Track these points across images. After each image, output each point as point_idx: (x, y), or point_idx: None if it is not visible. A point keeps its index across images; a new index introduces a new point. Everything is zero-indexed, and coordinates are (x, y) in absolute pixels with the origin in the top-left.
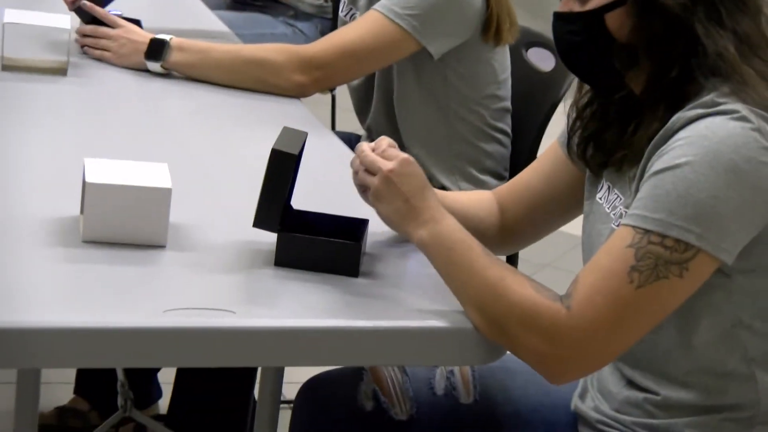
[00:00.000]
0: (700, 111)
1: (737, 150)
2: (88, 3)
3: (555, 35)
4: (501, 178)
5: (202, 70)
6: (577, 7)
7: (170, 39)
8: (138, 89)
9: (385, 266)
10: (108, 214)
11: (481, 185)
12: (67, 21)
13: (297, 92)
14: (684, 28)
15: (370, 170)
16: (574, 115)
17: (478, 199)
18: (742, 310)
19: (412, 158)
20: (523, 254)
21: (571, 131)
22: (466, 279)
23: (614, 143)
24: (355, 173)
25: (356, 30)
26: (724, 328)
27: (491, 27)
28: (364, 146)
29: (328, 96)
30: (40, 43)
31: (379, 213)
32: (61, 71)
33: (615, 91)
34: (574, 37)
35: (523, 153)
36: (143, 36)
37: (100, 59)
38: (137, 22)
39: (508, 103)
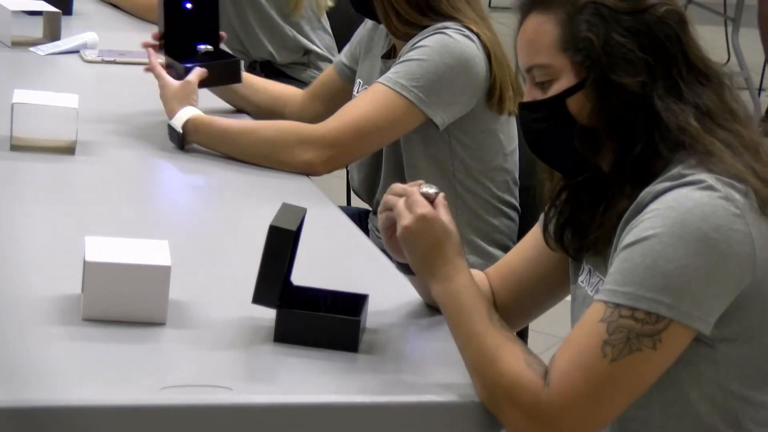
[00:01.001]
0: (667, 184)
1: (705, 219)
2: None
3: (521, 125)
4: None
5: (217, 148)
6: (539, 96)
7: (185, 123)
8: (144, 166)
9: (385, 341)
10: (108, 293)
11: (489, 258)
12: (75, 100)
13: (308, 171)
14: (644, 105)
15: (408, 208)
16: (548, 204)
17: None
18: (731, 380)
19: (449, 217)
20: (539, 326)
21: (546, 219)
22: (467, 342)
23: (588, 225)
24: (381, 212)
25: (364, 105)
26: (715, 399)
27: (495, 94)
28: (411, 189)
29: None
30: (49, 123)
31: (405, 248)
32: (69, 150)
33: (580, 173)
34: (538, 124)
35: (531, 227)
36: (167, 110)
37: None
38: (235, 61)
39: (515, 176)
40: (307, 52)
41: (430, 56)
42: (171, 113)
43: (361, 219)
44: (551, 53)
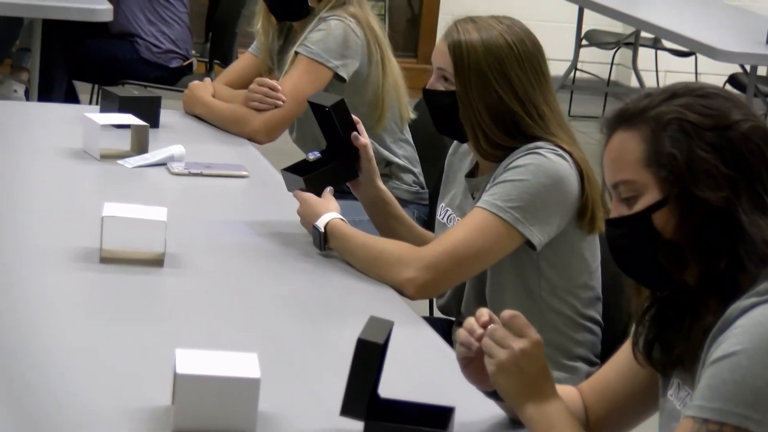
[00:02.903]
0: (754, 299)
1: None
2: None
3: (608, 241)
4: (592, 364)
5: (344, 255)
6: (625, 212)
7: (326, 224)
8: (232, 279)
9: None
10: (198, 405)
11: (571, 371)
12: (163, 213)
13: (403, 290)
14: (728, 220)
15: (500, 344)
16: (636, 320)
17: (568, 398)
18: None
19: (541, 340)
20: None
21: (635, 336)
22: None
23: (674, 341)
24: (461, 345)
25: (465, 230)
26: None
27: (587, 214)
28: (490, 319)
29: None
30: (138, 235)
31: (497, 383)
32: (157, 262)
33: (666, 288)
34: (624, 240)
35: (615, 338)
36: (312, 215)
37: None
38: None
39: (599, 292)
40: (389, 163)
41: (525, 176)
42: (315, 217)
43: (444, 330)
44: (636, 169)
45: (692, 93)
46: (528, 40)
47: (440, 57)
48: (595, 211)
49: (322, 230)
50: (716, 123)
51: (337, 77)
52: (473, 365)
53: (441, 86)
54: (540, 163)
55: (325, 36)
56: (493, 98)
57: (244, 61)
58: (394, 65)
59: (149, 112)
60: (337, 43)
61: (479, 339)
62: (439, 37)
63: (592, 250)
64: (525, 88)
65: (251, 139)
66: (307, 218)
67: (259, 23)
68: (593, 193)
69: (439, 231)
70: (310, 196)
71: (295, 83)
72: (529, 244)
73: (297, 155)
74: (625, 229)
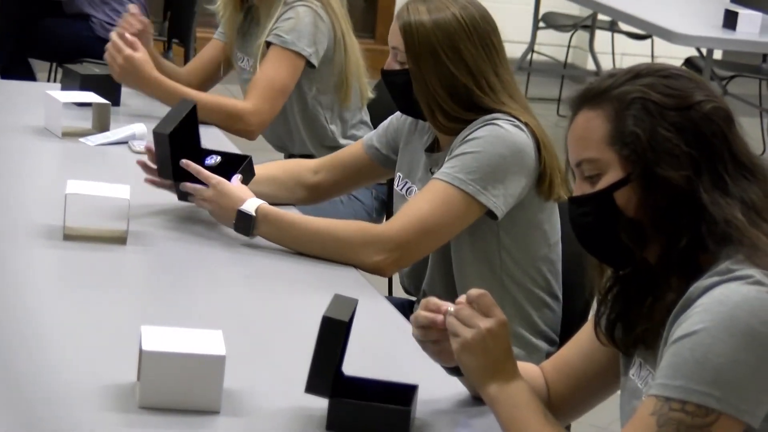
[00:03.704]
0: (715, 279)
1: (754, 314)
2: (185, 161)
3: (571, 219)
4: (553, 343)
5: (285, 242)
6: (588, 190)
7: (256, 210)
8: (195, 256)
9: (434, 431)
10: (164, 381)
11: (533, 350)
12: (126, 191)
13: (375, 272)
14: (689, 199)
15: (465, 322)
16: (599, 299)
17: (530, 376)
18: None
19: (506, 321)
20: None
21: (597, 316)
22: None
23: (636, 319)
24: (420, 327)
25: (426, 204)
26: None
27: (545, 181)
28: (460, 300)
29: None
30: (101, 213)
31: (461, 361)
32: (120, 240)
33: (627, 266)
34: (586, 218)
35: (574, 316)
36: (233, 201)
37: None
38: (244, 158)
39: (558, 267)
40: None
41: (483, 148)
42: (239, 202)
43: (404, 310)
44: (600, 148)
45: (656, 73)
46: (478, 15)
47: (394, 37)
48: (553, 178)
49: (254, 214)
50: (679, 103)
51: (308, 64)
52: (436, 343)
53: (396, 65)
54: (498, 134)
55: (295, 24)
56: (445, 73)
57: (211, 47)
58: (355, 44)
59: (110, 90)
60: (308, 30)
61: (443, 315)
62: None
63: (552, 221)
64: (476, 61)
65: (244, 135)
66: (226, 203)
67: (219, 2)
68: (550, 159)
69: (397, 202)
70: (223, 182)
71: (274, 75)
72: (490, 214)
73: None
74: (588, 207)
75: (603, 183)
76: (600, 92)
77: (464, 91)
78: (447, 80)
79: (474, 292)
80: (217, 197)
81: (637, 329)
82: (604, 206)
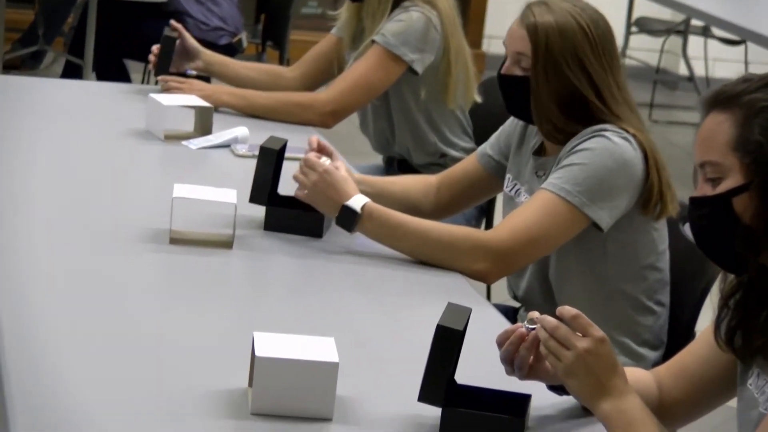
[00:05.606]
0: None
1: None
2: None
3: (689, 220)
4: (657, 349)
5: (388, 241)
6: (709, 191)
7: (362, 207)
8: (302, 263)
9: None
10: (276, 388)
11: (638, 358)
12: (233, 195)
13: (479, 278)
14: None
15: (563, 344)
16: (720, 304)
17: (639, 382)
18: None
19: (605, 337)
20: None
21: (718, 320)
22: None
23: (755, 331)
24: (507, 346)
25: (533, 213)
26: None
27: (652, 198)
28: (549, 320)
29: None
30: (207, 217)
31: (568, 386)
32: (227, 245)
33: (742, 272)
34: (704, 221)
35: (681, 324)
36: (339, 195)
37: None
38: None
39: (667, 275)
40: (444, 155)
41: (591, 160)
42: (346, 196)
43: (508, 316)
44: (723, 152)
45: None
46: (601, 21)
47: (519, 42)
48: (664, 193)
49: (359, 212)
50: None
51: (411, 70)
52: (530, 369)
53: (518, 71)
54: (605, 146)
55: (405, 28)
56: (566, 84)
57: (326, 41)
58: (466, 52)
59: None
60: (416, 37)
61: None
62: (487, 25)
63: (660, 230)
64: (597, 72)
65: (317, 124)
66: (332, 194)
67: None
68: (661, 175)
69: (506, 203)
70: (331, 170)
71: (366, 71)
72: (595, 226)
73: (357, 139)
74: (706, 209)
75: (723, 187)
76: (731, 96)
77: (581, 103)
78: (567, 90)
79: (567, 312)
80: (324, 187)
81: (756, 341)
82: (722, 210)
